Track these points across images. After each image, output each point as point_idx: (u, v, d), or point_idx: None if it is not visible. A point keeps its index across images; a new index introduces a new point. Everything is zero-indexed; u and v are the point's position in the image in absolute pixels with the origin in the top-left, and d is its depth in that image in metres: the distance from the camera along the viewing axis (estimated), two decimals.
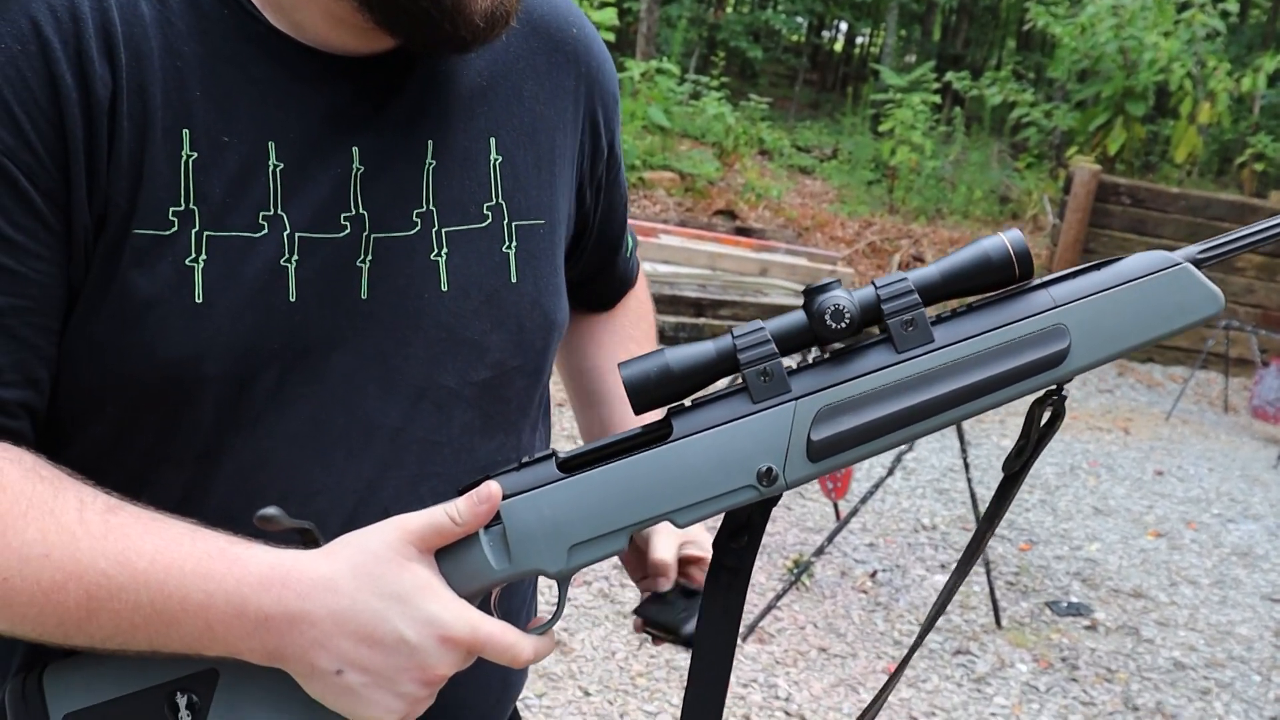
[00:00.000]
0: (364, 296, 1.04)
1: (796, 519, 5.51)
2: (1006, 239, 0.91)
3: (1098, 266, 0.92)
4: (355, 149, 1.04)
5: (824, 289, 0.90)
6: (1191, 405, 8.88)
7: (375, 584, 0.90)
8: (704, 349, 0.91)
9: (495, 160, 1.12)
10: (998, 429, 7.36)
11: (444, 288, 1.08)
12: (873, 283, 0.91)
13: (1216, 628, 5.02)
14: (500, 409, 1.15)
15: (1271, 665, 4.71)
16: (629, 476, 0.91)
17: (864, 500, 4.42)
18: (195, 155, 0.97)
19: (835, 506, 5.30)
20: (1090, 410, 8.44)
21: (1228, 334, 9.03)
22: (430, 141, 1.08)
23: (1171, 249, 0.94)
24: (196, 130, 0.97)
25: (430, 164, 1.08)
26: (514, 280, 1.13)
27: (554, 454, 0.94)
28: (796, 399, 0.90)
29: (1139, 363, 9.94)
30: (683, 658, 3.79)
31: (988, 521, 1.02)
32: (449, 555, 0.93)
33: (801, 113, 20.04)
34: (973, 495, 4.46)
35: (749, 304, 8.65)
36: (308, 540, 0.94)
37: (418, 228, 1.07)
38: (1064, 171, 11.41)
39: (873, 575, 5.01)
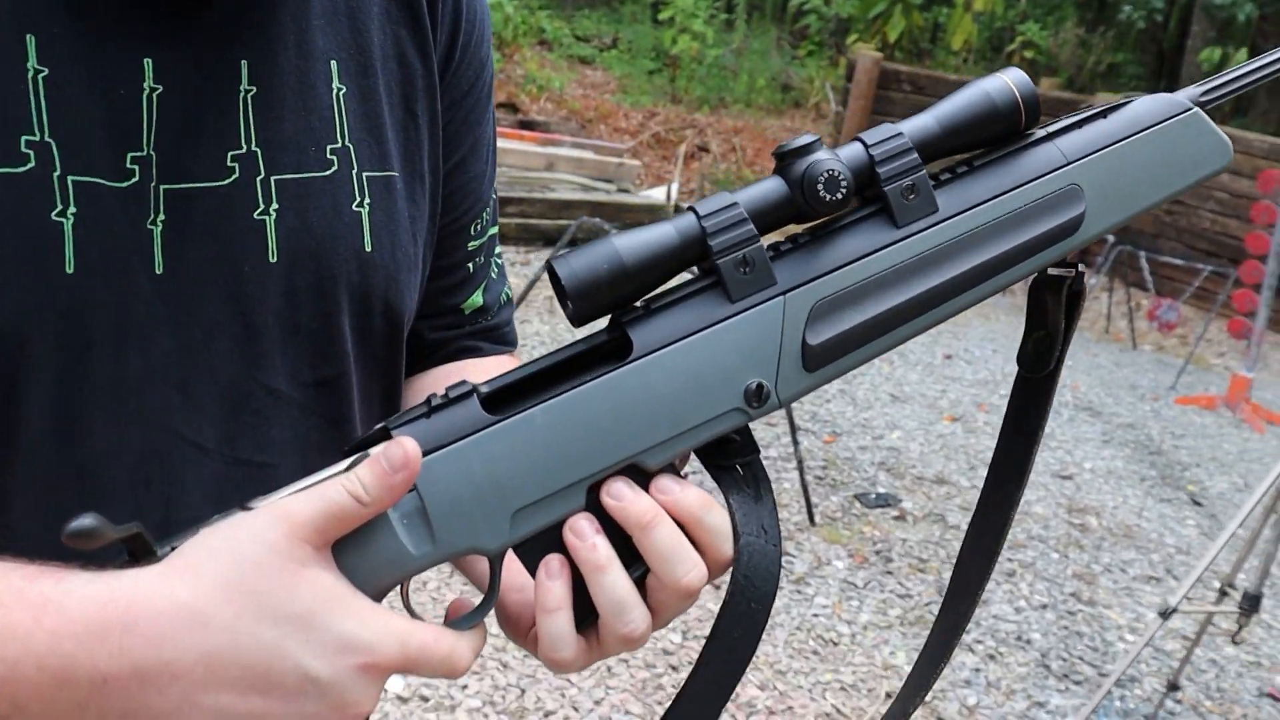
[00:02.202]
0: (158, 271, 0.78)
1: None
2: (1009, 79, 0.75)
3: (1103, 114, 0.78)
4: (148, 62, 0.76)
5: (804, 150, 0.71)
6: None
7: (261, 605, 0.63)
8: (662, 233, 0.70)
9: (339, 90, 0.86)
10: None
11: (272, 257, 0.82)
12: (859, 139, 0.73)
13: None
14: (343, 413, 0.90)
15: (1068, 542, 4.85)
16: (582, 412, 0.69)
17: None
18: None
19: None
20: None
21: None
22: (244, 62, 0.81)
23: None
24: None
25: (247, 91, 0.81)
26: (368, 248, 0.87)
27: (474, 390, 0.70)
28: (785, 293, 0.71)
29: None
30: None
31: (1029, 439, 0.84)
32: (348, 545, 0.67)
33: (579, 0, 19.64)
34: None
35: (536, 200, 8.42)
36: (137, 550, 0.65)
37: (234, 175, 0.80)
38: (844, 59, 11.45)
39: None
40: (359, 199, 0.86)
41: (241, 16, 0.80)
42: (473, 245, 1.02)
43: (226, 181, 0.80)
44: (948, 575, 4.37)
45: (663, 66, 13.38)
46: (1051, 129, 0.77)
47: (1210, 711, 3.85)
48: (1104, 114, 0.77)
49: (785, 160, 0.72)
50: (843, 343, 0.72)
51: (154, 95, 0.76)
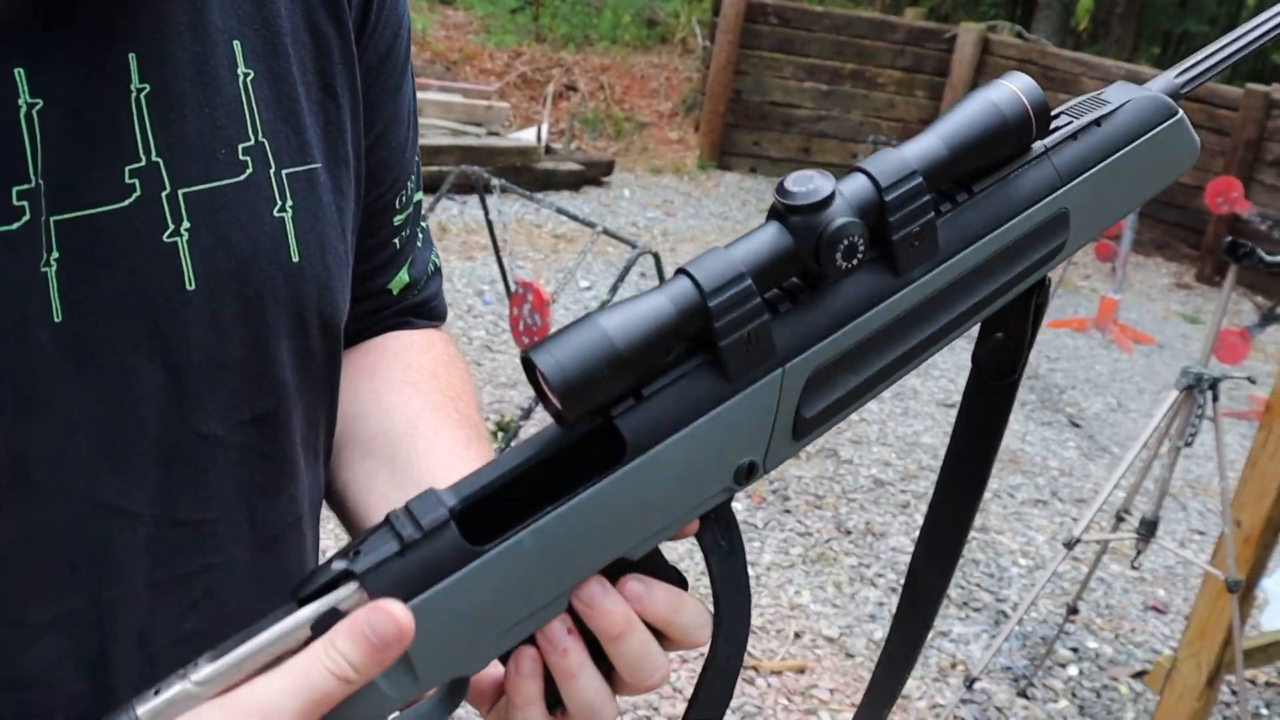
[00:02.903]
0: (57, 319, 0.66)
1: (488, 374, 5.28)
2: (1017, 88, 0.67)
3: (1097, 122, 0.72)
4: (20, 73, 0.64)
5: (820, 206, 0.61)
6: None
7: None
8: (656, 308, 0.59)
9: (245, 76, 0.74)
10: None
11: (189, 284, 0.71)
12: (869, 176, 0.63)
13: (904, 440, 5.22)
14: (285, 449, 0.80)
15: None
16: (574, 525, 0.60)
17: None
18: None
19: None
20: None
21: (875, 147, 9.34)
22: (132, 55, 0.68)
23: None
24: None
25: (139, 89, 0.69)
26: (295, 258, 0.76)
27: (449, 515, 0.59)
28: (784, 365, 0.63)
29: None
30: None
31: (987, 445, 0.79)
32: None
33: None
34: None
35: None
36: None
37: (135, 194, 0.69)
38: None
39: None
40: (280, 203, 0.75)
41: (124, 2, 0.68)
42: (398, 220, 0.93)
43: (127, 202, 0.68)
44: (844, 510, 4.44)
45: (525, 4, 13.13)
46: (1050, 142, 0.70)
47: (1102, 628, 3.97)
48: (1098, 122, 0.72)
49: (796, 214, 0.61)
50: (835, 407, 0.65)
51: (33, 112, 0.64)
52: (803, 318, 0.63)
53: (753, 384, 0.62)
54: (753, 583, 3.90)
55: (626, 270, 4.20)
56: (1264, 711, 3.65)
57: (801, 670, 3.47)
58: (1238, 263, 2.83)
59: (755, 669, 3.42)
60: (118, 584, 0.71)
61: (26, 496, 0.67)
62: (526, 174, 8.60)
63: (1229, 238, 2.86)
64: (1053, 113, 0.71)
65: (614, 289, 4.25)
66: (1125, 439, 5.71)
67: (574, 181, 8.95)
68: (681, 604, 0.65)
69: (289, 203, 0.76)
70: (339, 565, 0.58)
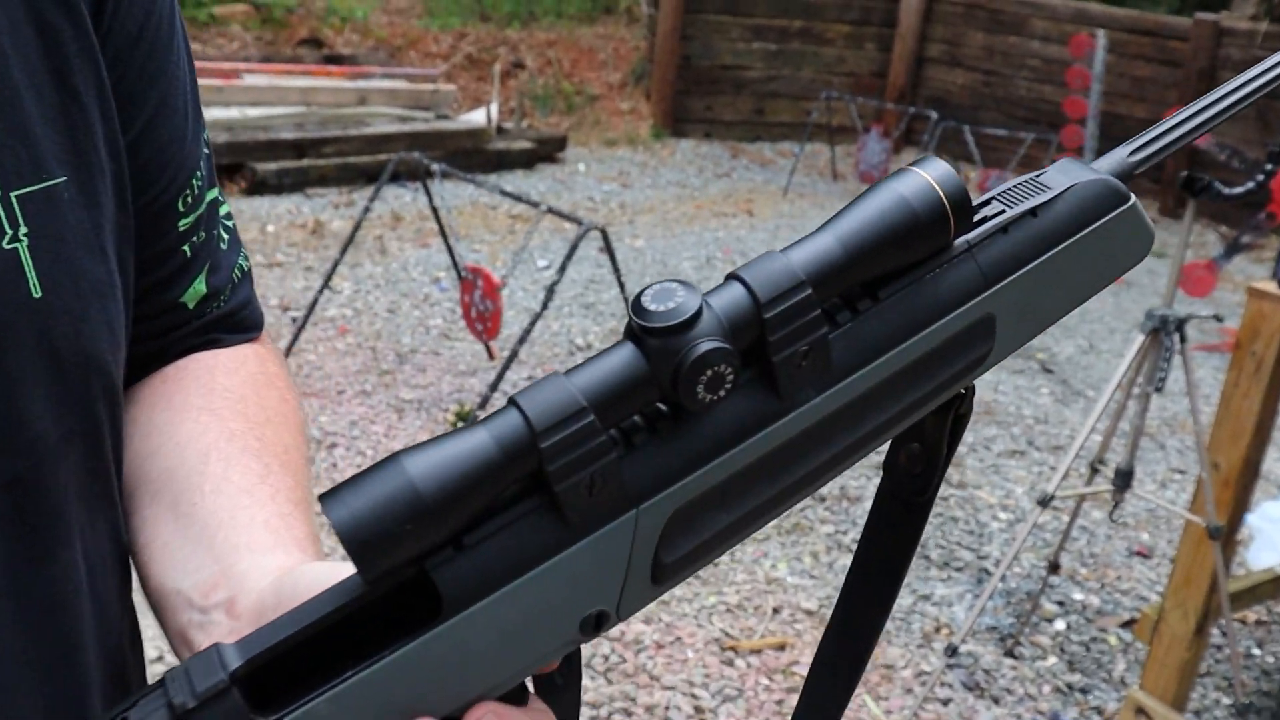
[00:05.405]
0: None
1: (446, 363, 5.15)
2: (932, 178, 0.56)
3: (1033, 212, 0.60)
4: None
5: (681, 329, 0.51)
6: (804, 178, 9.11)
7: None
8: (475, 448, 0.49)
9: None
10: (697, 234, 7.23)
11: None
12: (748, 288, 0.53)
13: None
14: (53, 510, 0.69)
15: None
16: (377, 691, 0.50)
17: (522, 341, 4.13)
18: None
19: (487, 346, 5.00)
20: (712, 197, 8.48)
21: (829, 104, 9.26)
22: None
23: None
24: None
25: None
26: (37, 293, 0.65)
27: (228, 682, 0.50)
28: (638, 508, 0.53)
29: (748, 142, 10.08)
30: None
31: (896, 564, 0.68)
32: None
33: None
34: (626, 301, 4.27)
35: (353, 137, 8.09)
36: None
37: None
38: None
39: None
40: (11, 232, 0.64)
41: None
42: (185, 224, 0.80)
43: None
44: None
45: None
46: (975, 237, 0.59)
47: (1086, 579, 3.90)
48: (1034, 212, 0.61)
49: (654, 336, 0.51)
50: (703, 549, 0.55)
51: None
52: (662, 451, 0.53)
53: (598, 529, 0.52)
54: (728, 559, 3.82)
55: (573, 249, 4.08)
56: (1256, 651, 3.58)
57: (781, 647, 3.38)
58: (1195, 197, 2.73)
59: (734, 649, 3.33)
60: None
61: None
62: (478, 155, 8.46)
63: (1184, 172, 2.76)
64: (985, 197, 0.61)
65: (562, 268, 4.14)
66: (1099, 381, 5.63)
67: (527, 160, 8.81)
68: None
69: (23, 229, 0.64)
70: None
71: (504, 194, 4.40)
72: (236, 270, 0.86)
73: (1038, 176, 0.62)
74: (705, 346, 0.51)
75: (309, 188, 7.69)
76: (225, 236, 0.85)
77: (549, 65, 11.00)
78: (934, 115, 8.62)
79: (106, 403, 0.71)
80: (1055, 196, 0.61)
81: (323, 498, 0.48)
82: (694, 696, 3.13)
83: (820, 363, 0.54)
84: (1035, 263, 0.60)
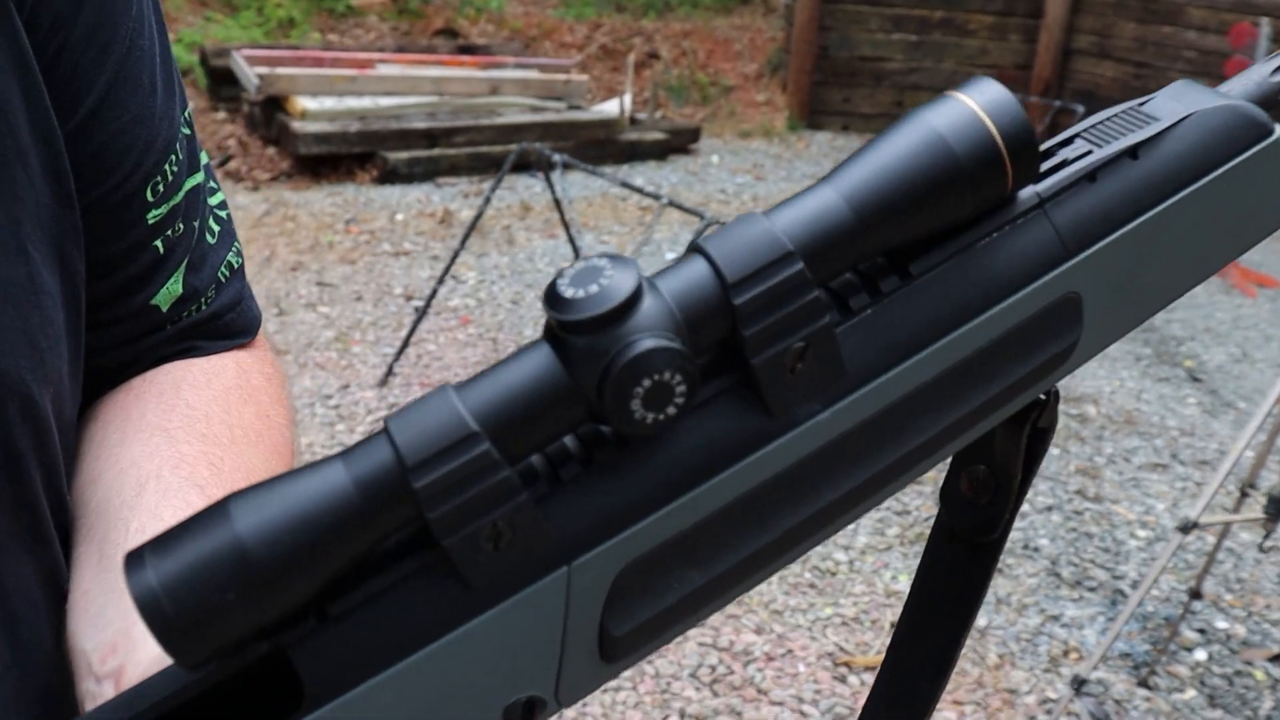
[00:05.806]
0: None
1: None
2: (978, 105, 0.41)
3: (1132, 151, 0.44)
4: None
5: (606, 319, 0.36)
6: None
7: None
8: (324, 493, 0.36)
9: None
10: None
11: None
12: (709, 260, 0.39)
13: None
14: None
15: (1067, 435, 4.64)
16: None
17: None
18: None
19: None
20: None
21: None
22: None
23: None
24: None
25: None
26: None
27: None
28: (570, 563, 0.39)
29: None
30: None
31: (958, 624, 0.54)
32: None
33: None
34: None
35: (485, 127, 8.08)
36: None
37: None
38: None
39: None
40: None
41: None
42: (155, 215, 0.70)
43: None
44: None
45: None
46: (1046, 188, 0.44)
47: (1232, 605, 3.65)
48: (1134, 152, 0.45)
49: (572, 333, 0.37)
50: (667, 617, 0.40)
51: None
52: (600, 490, 0.39)
53: (513, 594, 0.39)
54: (847, 569, 3.67)
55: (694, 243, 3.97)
56: None
57: None
58: None
59: (848, 665, 3.18)
60: None
61: None
62: (611, 146, 8.40)
63: None
64: (1067, 134, 0.46)
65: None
66: (1251, 393, 5.31)
67: (660, 151, 8.72)
68: None
69: None
70: None
71: (625, 186, 4.30)
72: (224, 268, 0.76)
73: (1142, 105, 0.47)
74: (642, 345, 0.36)
75: (439, 177, 7.71)
76: (215, 229, 0.75)
77: (684, 56, 10.89)
78: (1080, 109, 8.28)
79: (30, 429, 0.61)
80: (1164, 130, 0.46)
81: (127, 558, 0.36)
82: (803, 714, 3.00)
83: (825, 365, 0.40)
84: (1136, 222, 0.44)
